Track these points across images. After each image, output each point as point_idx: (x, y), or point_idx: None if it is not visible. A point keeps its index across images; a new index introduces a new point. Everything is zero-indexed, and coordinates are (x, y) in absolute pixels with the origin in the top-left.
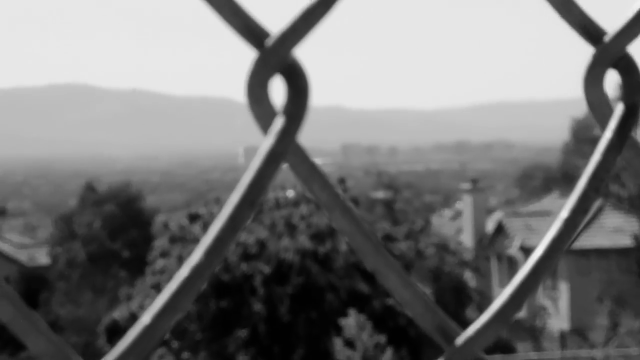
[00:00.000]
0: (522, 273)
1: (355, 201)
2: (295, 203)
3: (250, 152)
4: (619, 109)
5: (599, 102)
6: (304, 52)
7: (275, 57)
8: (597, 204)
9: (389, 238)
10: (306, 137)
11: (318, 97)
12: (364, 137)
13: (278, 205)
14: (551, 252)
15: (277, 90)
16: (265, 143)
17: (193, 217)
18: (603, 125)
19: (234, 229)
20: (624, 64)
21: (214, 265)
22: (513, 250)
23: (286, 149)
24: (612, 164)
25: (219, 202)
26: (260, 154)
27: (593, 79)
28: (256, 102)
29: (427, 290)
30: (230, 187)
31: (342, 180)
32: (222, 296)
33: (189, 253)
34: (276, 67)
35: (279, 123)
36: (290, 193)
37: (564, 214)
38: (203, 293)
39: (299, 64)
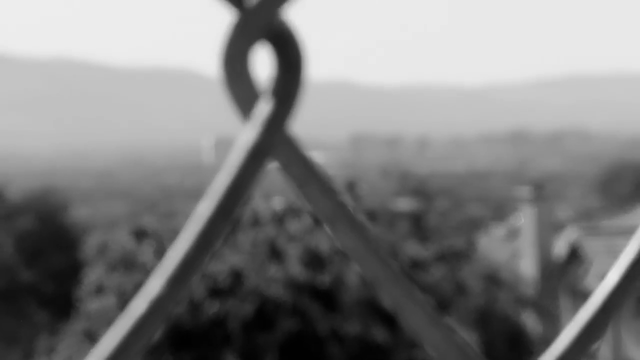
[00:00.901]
0: (591, 307)
1: (371, 214)
2: (284, 218)
3: (222, 145)
4: None
5: None
6: (298, 14)
7: (260, 19)
8: None
9: (417, 265)
10: (301, 125)
11: (317, 69)
12: (382, 125)
13: (259, 221)
14: (628, 282)
15: (263, 63)
16: (246, 134)
17: (141, 235)
18: None
19: (205, 249)
20: None
21: (179, 299)
22: (592, 282)
23: (274, 141)
24: None
25: (178, 215)
26: (240, 148)
27: None
28: (234, 79)
29: (471, 337)
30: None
31: (351, 185)
32: (182, 348)
33: (136, 286)
34: (261, 32)
35: (264, 107)
36: (277, 204)
37: None
38: (155, 344)
39: (290, 29)
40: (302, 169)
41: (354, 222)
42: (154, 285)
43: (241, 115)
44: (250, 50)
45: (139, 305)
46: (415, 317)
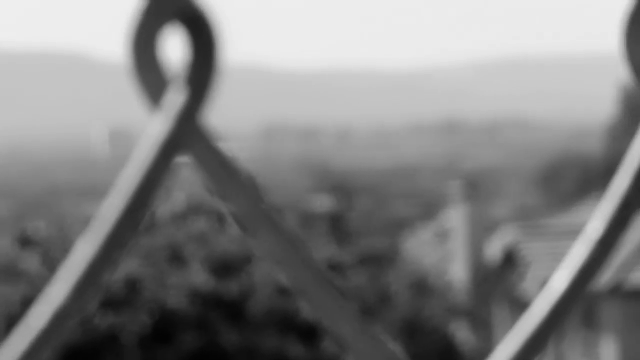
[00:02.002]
0: (533, 317)
1: (283, 214)
2: (185, 217)
3: (119, 137)
4: None
5: None
6: None
7: (172, 0)
8: None
9: (334, 269)
10: (208, 113)
11: (225, 52)
12: (298, 114)
13: (156, 221)
14: (575, 289)
15: (175, 47)
16: (156, 125)
17: (25, 242)
18: None
19: (113, 252)
20: None
21: (84, 308)
22: (530, 288)
23: (186, 133)
24: None
25: (69, 217)
26: (149, 141)
27: (636, 31)
28: (143, 64)
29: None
30: (84, 193)
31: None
32: None
33: (20, 298)
34: (172, 14)
35: (176, 95)
36: (178, 202)
37: (595, 229)
38: None
39: (204, 11)
40: (217, 164)
41: (275, 224)
42: (57, 293)
43: (150, 104)
44: (161, 33)
45: (39, 314)
46: (343, 327)
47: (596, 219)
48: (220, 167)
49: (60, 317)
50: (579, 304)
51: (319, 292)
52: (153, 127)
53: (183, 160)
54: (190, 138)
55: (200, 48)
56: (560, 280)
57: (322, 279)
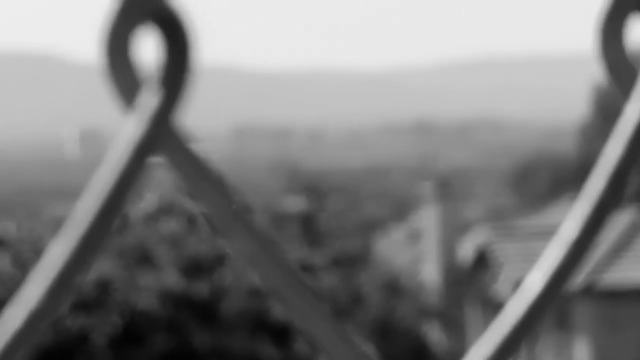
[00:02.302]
0: (508, 319)
1: (255, 214)
2: (156, 218)
3: (89, 137)
4: None
5: (621, 65)
6: None
7: (145, 0)
8: (631, 219)
9: (305, 271)
10: (182, 114)
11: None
12: (270, 114)
13: (128, 222)
14: (550, 290)
15: (149, 48)
16: (131, 126)
17: None
18: (626, 97)
19: (88, 252)
20: None
21: (59, 308)
22: (503, 290)
23: (161, 134)
24: None
25: (40, 218)
26: (124, 142)
27: (612, 30)
28: (117, 65)
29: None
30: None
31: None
32: None
33: None
34: (146, 14)
35: (150, 96)
36: (150, 203)
37: (570, 230)
38: None
39: (178, 11)
40: (191, 165)
41: (249, 225)
42: (32, 294)
43: (124, 105)
44: (135, 34)
45: (14, 316)
46: (316, 328)
47: (571, 220)
48: (194, 168)
49: (34, 319)
50: (553, 306)
51: (292, 292)
52: (127, 128)
53: (157, 161)
54: (165, 139)
55: (174, 49)
56: (534, 281)
57: (296, 280)
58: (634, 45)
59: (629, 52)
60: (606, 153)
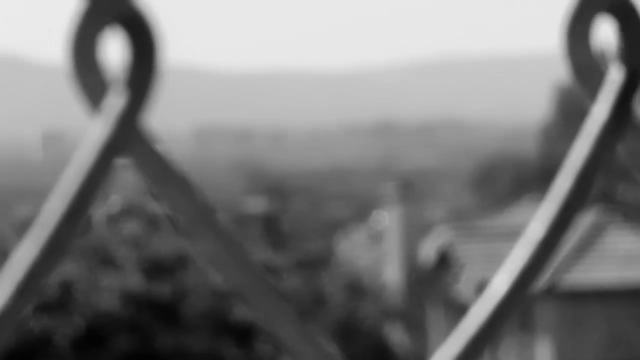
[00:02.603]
0: (472, 322)
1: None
2: (118, 220)
3: (52, 139)
4: (615, 75)
5: (587, 65)
6: None
7: (111, 2)
8: (594, 219)
9: (271, 272)
10: (147, 116)
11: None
12: (231, 115)
13: (90, 223)
14: (516, 292)
15: (114, 50)
16: (97, 128)
17: None
18: (592, 98)
19: (53, 254)
20: (623, 9)
21: (25, 310)
22: (465, 291)
23: (127, 136)
24: (607, 155)
25: (2, 219)
26: (90, 144)
27: (579, 31)
28: (82, 67)
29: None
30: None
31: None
32: None
33: None
34: (112, 16)
35: (116, 98)
36: (113, 204)
37: (536, 231)
38: None
39: (143, 13)
40: (157, 167)
41: (217, 226)
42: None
43: (90, 107)
44: (100, 35)
45: None
46: (281, 329)
47: (536, 220)
48: (158, 170)
49: (1, 320)
50: (519, 307)
51: (256, 293)
52: (93, 130)
53: (122, 163)
54: (130, 141)
55: (139, 50)
56: (500, 283)
57: (260, 280)
58: (599, 46)
59: (595, 53)
60: (572, 154)
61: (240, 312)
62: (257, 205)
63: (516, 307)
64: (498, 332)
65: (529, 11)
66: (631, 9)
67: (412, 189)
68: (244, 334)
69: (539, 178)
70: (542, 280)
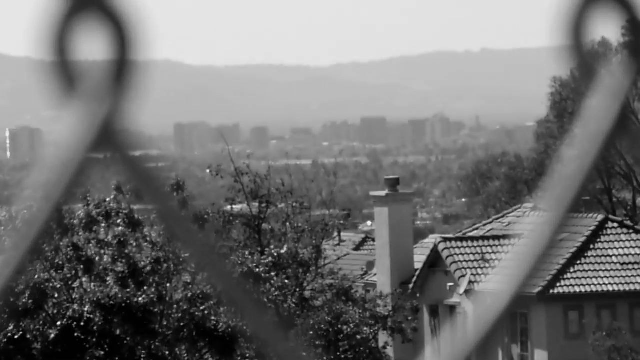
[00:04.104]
0: (466, 325)
1: (198, 218)
2: (96, 222)
3: (21, 136)
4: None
5: (582, 61)
6: None
7: None
8: (595, 218)
9: (255, 275)
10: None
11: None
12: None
13: (66, 226)
14: (510, 293)
15: (95, 45)
16: (74, 126)
17: None
18: (587, 93)
19: (26, 257)
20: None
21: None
22: (456, 296)
23: (105, 134)
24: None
25: None
26: (65, 142)
27: (574, 27)
28: (60, 61)
29: None
30: None
31: (178, 186)
32: None
33: None
34: (92, 10)
35: (96, 93)
36: (90, 206)
37: (530, 233)
38: None
39: (123, 7)
40: (136, 166)
41: (192, 229)
42: None
43: (65, 102)
44: (79, 29)
45: None
46: (264, 333)
47: (531, 223)
48: (139, 170)
49: None
50: (513, 310)
51: (240, 298)
52: (68, 128)
53: (99, 163)
54: (108, 139)
55: (122, 43)
56: (494, 285)
57: (243, 285)
58: (594, 42)
59: (589, 49)
60: (564, 155)
61: (219, 319)
62: (243, 205)
63: (510, 310)
64: (491, 335)
65: (525, 8)
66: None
67: (402, 189)
68: (227, 343)
69: (532, 178)
70: (537, 284)
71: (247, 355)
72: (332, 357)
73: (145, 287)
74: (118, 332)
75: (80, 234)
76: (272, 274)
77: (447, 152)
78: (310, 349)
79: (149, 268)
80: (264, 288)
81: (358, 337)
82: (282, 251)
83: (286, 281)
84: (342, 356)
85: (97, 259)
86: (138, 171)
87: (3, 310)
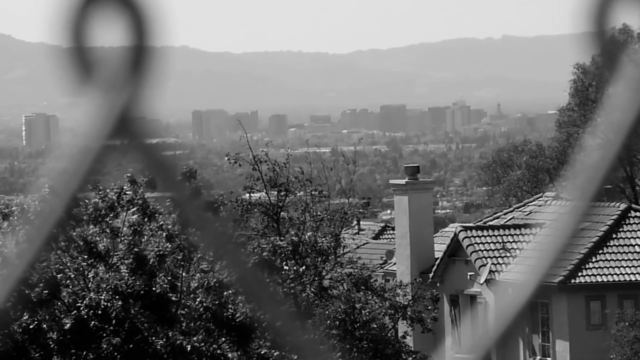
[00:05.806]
0: (487, 314)
1: (214, 205)
2: (109, 212)
3: (37, 123)
4: None
5: (606, 49)
6: None
7: None
8: (618, 207)
9: (274, 262)
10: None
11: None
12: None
13: (77, 216)
14: (531, 282)
15: (114, 33)
16: (88, 114)
17: None
18: (611, 81)
19: (42, 246)
20: None
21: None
22: (476, 285)
23: (122, 123)
24: (637, 135)
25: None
26: (82, 130)
27: (597, 15)
28: (77, 49)
29: (334, 351)
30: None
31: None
32: None
33: None
34: None
35: (112, 82)
36: (104, 196)
37: (551, 223)
38: None
39: None
40: (153, 155)
41: (206, 218)
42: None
43: (82, 89)
44: (96, 16)
45: None
46: (281, 322)
47: (552, 212)
48: (156, 159)
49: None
50: (533, 299)
51: (257, 287)
52: (84, 116)
53: (116, 151)
54: (126, 127)
55: (139, 29)
56: (515, 274)
57: (260, 274)
58: (615, 29)
59: (613, 37)
60: (587, 146)
61: (237, 310)
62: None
63: (530, 300)
64: (512, 325)
65: None
66: None
67: (422, 178)
68: (243, 332)
69: (554, 167)
70: (558, 274)
71: (264, 345)
72: (349, 346)
73: (156, 277)
74: (134, 319)
75: (95, 223)
76: (292, 261)
77: (467, 140)
78: (327, 338)
79: (155, 259)
80: (279, 277)
81: (374, 325)
82: (305, 237)
83: (303, 268)
84: (359, 344)
85: (111, 247)
86: (154, 159)
87: (18, 300)
